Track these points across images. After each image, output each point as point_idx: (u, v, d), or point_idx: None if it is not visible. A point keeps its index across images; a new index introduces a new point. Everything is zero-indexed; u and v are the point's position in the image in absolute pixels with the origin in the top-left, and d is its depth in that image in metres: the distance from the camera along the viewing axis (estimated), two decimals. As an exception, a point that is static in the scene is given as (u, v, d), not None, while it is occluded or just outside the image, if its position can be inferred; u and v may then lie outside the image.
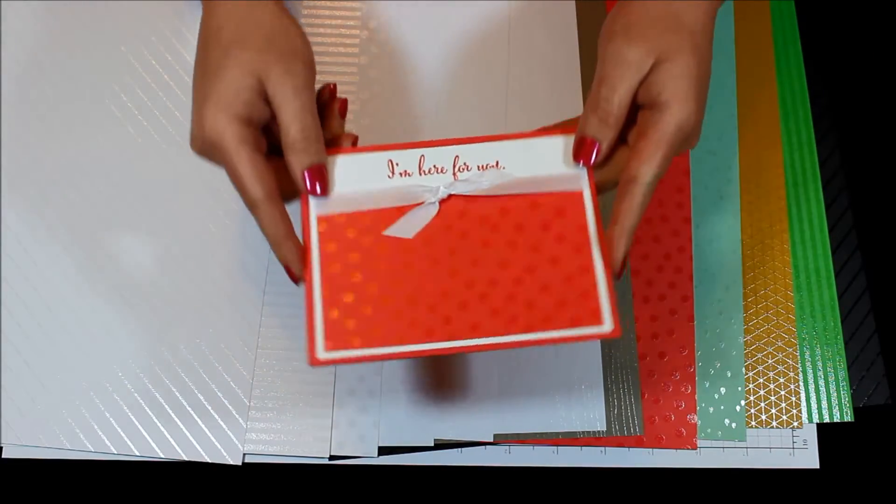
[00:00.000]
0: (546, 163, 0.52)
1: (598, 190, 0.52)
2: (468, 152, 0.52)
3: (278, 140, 0.51)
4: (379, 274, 0.50)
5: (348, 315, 0.50)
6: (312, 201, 0.52)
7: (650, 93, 0.50)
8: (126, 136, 0.68)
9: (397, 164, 0.52)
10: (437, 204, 0.51)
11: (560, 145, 0.52)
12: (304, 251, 0.51)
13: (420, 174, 0.52)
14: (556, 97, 0.69)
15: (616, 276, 0.50)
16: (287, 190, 0.52)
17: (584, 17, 0.71)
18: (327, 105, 0.55)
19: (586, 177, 0.51)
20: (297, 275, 0.51)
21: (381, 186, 0.52)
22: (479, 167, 0.52)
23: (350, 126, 0.67)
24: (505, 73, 0.69)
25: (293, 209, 0.52)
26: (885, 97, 0.71)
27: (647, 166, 0.49)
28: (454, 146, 0.52)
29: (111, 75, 0.69)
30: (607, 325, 0.49)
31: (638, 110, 0.51)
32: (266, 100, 0.51)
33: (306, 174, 0.51)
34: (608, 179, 0.52)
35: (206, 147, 0.51)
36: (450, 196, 0.51)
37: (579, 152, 0.51)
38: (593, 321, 0.49)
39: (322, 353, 0.49)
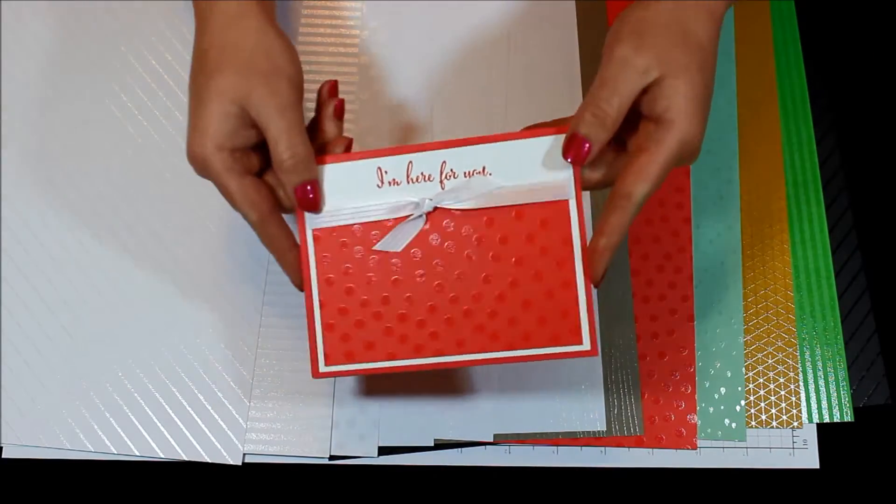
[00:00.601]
0: (533, 167, 0.51)
1: (586, 188, 0.52)
2: (455, 156, 0.52)
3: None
4: (370, 287, 0.53)
5: (344, 331, 0.53)
6: (307, 216, 0.53)
7: (655, 107, 0.49)
8: (126, 136, 0.68)
9: (386, 173, 0.52)
10: (424, 217, 0.52)
11: (548, 145, 0.51)
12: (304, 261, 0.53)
13: (408, 182, 0.52)
14: (556, 97, 0.68)
15: (595, 286, 0.51)
16: (284, 204, 0.54)
17: (584, 17, 0.71)
18: (324, 106, 0.55)
19: (573, 184, 0.51)
20: (300, 284, 0.53)
21: (370, 199, 0.52)
22: (465, 174, 0.52)
23: (350, 126, 0.68)
24: (505, 73, 0.69)
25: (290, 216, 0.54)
26: (885, 97, 0.71)
27: (643, 184, 0.49)
28: (441, 150, 0.52)
29: (111, 75, 0.69)
30: (585, 345, 0.51)
31: (640, 118, 0.50)
32: (251, 123, 0.51)
33: (298, 192, 0.52)
34: (599, 180, 0.52)
35: (198, 171, 0.52)
36: (436, 208, 0.52)
37: (569, 149, 0.50)
38: (572, 340, 0.51)
39: (323, 367, 0.53)
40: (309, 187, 0.52)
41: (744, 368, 0.63)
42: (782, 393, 0.63)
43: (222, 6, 0.53)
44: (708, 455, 0.62)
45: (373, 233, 0.52)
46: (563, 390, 0.62)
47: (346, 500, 0.62)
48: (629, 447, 0.62)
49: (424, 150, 0.52)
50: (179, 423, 0.62)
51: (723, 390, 0.63)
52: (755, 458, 0.62)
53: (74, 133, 0.68)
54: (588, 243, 0.51)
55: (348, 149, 0.54)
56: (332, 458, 0.62)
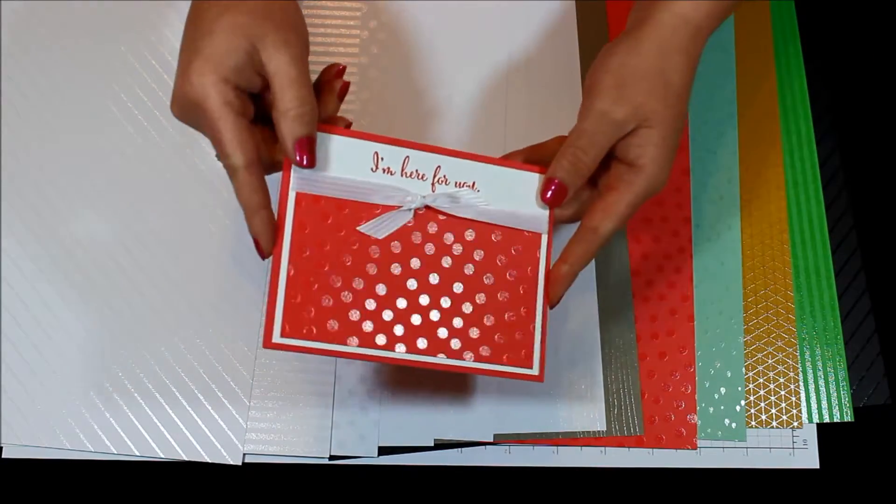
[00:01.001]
0: (516, 196, 0.54)
1: (558, 222, 0.55)
2: (449, 165, 0.53)
3: (266, 110, 0.50)
4: (345, 268, 0.51)
5: (310, 303, 0.51)
6: (294, 176, 0.51)
7: (629, 153, 0.52)
8: (126, 136, 0.68)
9: (382, 159, 0.52)
10: (413, 212, 0.53)
11: (532, 182, 0.54)
12: (277, 226, 0.51)
13: (402, 175, 0.53)
14: (555, 97, 0.68)
15: (551, 307, 0.54)
16: (269, 161, 0.52)
17: (584, 18, 0.70)
18: (328, 82, 0.54)
19: (548, 221, 0.54)
20: (266, 249, 0.51)
21: (364, 179, 0.52)
22: (456, 183, 0.53)
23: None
24: (505, 73, 0.69)
25: (273, 182, 0.51)
26: (885, 97, 0.71)
27: (609, 221, 0.52)
28: (438, 155, 0.53)
29: (111, 75, 0.69)
30: (534, 370, 0.53)
31: (612, 159, 0.53)
32: (256, 70, 0.49)
33: (296, 144, 0.49)
34: (570, 216, 0.55)
35: (188, 108, 0.49)
36: (426, 207, 0.53)
37: (545, 192, 0.53)
38: (523, 363, 0.53)
39: (277, 338, 0.50)
40: (308, 141, 0.50)
41: (744, 368, 0.63)
42: (782, 393, 0.63)
43: None
44: (708, 455, 0.62)
45: (356, 212, 0.52)
46: (563, 390, 0.62)
47: (346, 500, 0.62)
48: (629, 447, 0.62)
49: (423, 150, 0.53)
50: (179, 423, 0.62)
51: (723, 390, 0.63)
52: (755, 458, 0.62)
53: (74, 133, 0.68)
54: (551, 268, 0.54)
55: (348, 129, 0.53)
56: (332, 458, 0.62)
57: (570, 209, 0.55)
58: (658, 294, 0.65)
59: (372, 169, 0.52)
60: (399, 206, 0.52)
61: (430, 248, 0.53)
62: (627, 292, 0.64)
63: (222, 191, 0.66)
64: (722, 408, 0.62)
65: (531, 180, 0.54)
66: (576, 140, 0.51)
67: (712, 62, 0.69)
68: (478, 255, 0.53)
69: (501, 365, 0.52)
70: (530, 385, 0.62)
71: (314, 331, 0.50)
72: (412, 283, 0.52)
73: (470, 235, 0.53)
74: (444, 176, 0.53)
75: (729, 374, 0.63)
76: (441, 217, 0.53)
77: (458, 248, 0.53)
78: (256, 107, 0.51)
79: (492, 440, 0.62)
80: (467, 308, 0.52)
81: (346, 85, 0.54)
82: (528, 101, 0.68)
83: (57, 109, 0.68)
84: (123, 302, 0.64)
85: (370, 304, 0.51)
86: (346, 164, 0.52)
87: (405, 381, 0.63)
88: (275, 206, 0.51)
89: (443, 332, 0.52)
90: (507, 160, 0.54)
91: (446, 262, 0.53)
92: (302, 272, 0.51)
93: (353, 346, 0.51)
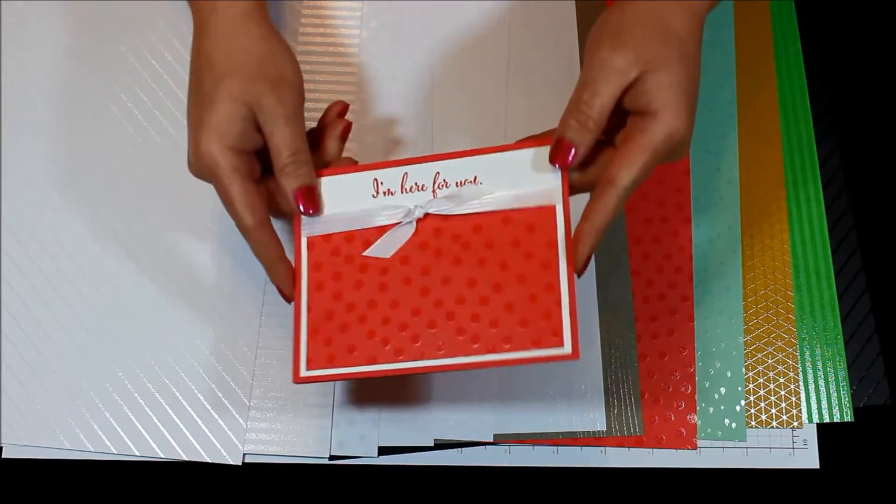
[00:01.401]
0: (523, 175, 0.53)
1: (578, 191, 0.53)
2: (448, 168, 0.54)
3: (271, 162, 0.53)
4: (358, 293, 0.53)
5: (329, 333, 0.53)
6: (303, 223, 0.54)
7: (639, 102, 0.50)
8: (126, 135, 0.68)
9: (381, 183, 0.54)
10: (415, 224, 0.53)
11: (537, 155, 0.53)
12: (294, 272, 0.54)
13: (402, 192, 0.54)
14: (555, 97, 0.68)
15: (578, 273, 0.51)
16: (281, 210, 0.55)
17: (584, 17, 0.71)
18: (330, 126, 0.57)
19: (561, 190, 0.52)
20: (289, 295, 0.54)
21: (364, 207, 0.54)
22: (457, 183, 0.53)
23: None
24: (505, 73, 0.69)
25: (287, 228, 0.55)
26: (885, 97, 0.71)
27: (626, 170, 0.49)
28: (435, 162, 0.54)
29: (111, 75, 0.69)
30: (566, 347, 0.50)
31: (627, 115, 0.51)
32: (257, 127, 0.52)
33: (297, 195, 0.53)
34: (590, 181, 0.53)
35: (202, 172, 0.53)
36: (426, 215, 0.53)
37: (556, 155, 0.51)
38: (553, 342, 0.50)
39: (304, 371, 0.53)
40: (308, 191, 0.53)
41: (744, 368, 0.63)
42: (782, 393, 0.63)
43: (225, 9, 0.54)
44: (708, 455, 0.62)
45: (364, 240, 0.54)
46: (562, 390, 0.62)
47: (346, 500, 0.62)
48: (629, 447, 0.62)
49: (419, 163, 0.54)
50: (179, 423, 0.62)
51: (723, 390, 0.63)
52: (755, 458, 0.62)
53: (74, 133, 0.68)
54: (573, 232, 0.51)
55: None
56: (332, 458, 0.62)
57: (588, 174, 0.53)
58: (658, 294, 0.65)
59: (373, 195, 0.54)
60: (400, 223, 0.53)
61: (437, 252, 0.53)
62: (627, 292, 0.64)
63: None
64: (722, 408, 0.62)
65: (535, 154, 0.53)
66: (579, 95, 0.50)
67: (712, 62, 0.69)
68: (487, 244, 0.52)
69: (530, 351, 0.50)
70: (530, 385, 0.62)
71: (336, 358, 0.52)
72: (423, 290, 0.52)
73: (476, 228, 0.53)
74: (445, 180, 0.53)
75: (729, 374, 0.63)
76: (444, 219, 0.53)
77: (465, 244, 0.53)
78: (265, 160, 0.54)
79: (492, 440, 0.62)
80: (484, 300, 0.52)
81: (348, 126, 0.57)
82: (528, 101, 0.68)
83: (57, 109, 0.68)
84: (123, 302, 0.64)
85: (386, 322, 0.52)
86: (350, 197, 0.54)
87: (405, 381, 0.63)
88: (290, 250, 0.54)
89: (463, 333, 0.51)
90: (506, 145, 0.54)
91: (455, 260, 0.53)
92: (319, 307, 0.53)
93: (376, 364, 0.52)
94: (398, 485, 0.62)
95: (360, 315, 0.53)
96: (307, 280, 0.54)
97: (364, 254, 0.53)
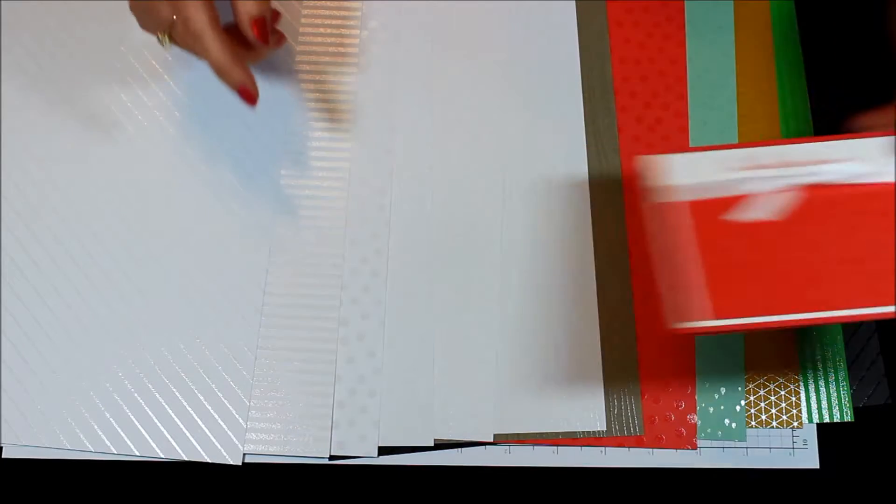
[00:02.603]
0: (869, 161, 0.54)
1: None
2: (796, 151, 0.55)
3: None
4: (731, 252, 0.54)
5: (727, 285, 0.54)
6: (681, 191, 0.55)
7: None
8: (126, 135, 0.68)
9: (746, 159, 0.56)
10: (789, 191, 0.54)
11: (886, 144, 0.55)
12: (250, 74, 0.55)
13: (764, 169, 0.55)
14: (556, 97, 0.68)
15: None
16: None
17: (584, 17, 0.70)
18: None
19: None
20: (255, 92, 0.54)
21: (735, 177, 0.55)
22: (809, 163, 0.55)
23: (349, 125, 0.68)
24: (504, 73, 0.69)
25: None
26: (885, 98, 0.71)
27: None
28: (784, 146, 0.56)
29: (111, 75, 0.69)
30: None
31: None
32: None
33: (253, 24, 0.55)
34: None
35: None
36: (791, 186, 0.55)
37: None
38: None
39: (709, 321, 0.53)
40: (263, 20, 0.55)
41: (744, 368, 0.63)
42: (782, 393, 0.63)
43: None
44: (708, 455, 0.62)
45: (734, 204, 0.55)
46: (563, 390, 0.62)
47: (346, 500, 0.62)
48: (629, 447, 0.62)
49: (763, 146, 0.56)
50: (179, 423, 0.62)
51: (723, 390, 0.63)
52: (755, 458, 0.62)
53: (74, 133, 0.68)
54: None
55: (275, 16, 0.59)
56: (332, 458, 0.62)
57: None
58: (658, 294, 0.64)
59: (734, 170, 0.55)
60: (771, 191, 0.54)
61: (802, 218, 0.54)
62: (628, 292, 0.64)
63: (222, 191, 0.66)
64: (722, 408, 0.62)
65: (884, 143, 0.55)
66: None
67: (712, 62, 0.70)
68: (832, 213, 0.54)
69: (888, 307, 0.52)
70: (530, 385, 0.62)
71: (741, 307, 0.53)
72: (802, 252, 0.54)
73: (820, 199, 0.54)
74: (797, 160, 0.55)
75: (729, 374, 0.63)
76: (801, 190, 0.54)
77: (810, 212, 0.54)
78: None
79: (492, 440, 0.62)
80: (855, 262, 0.53)
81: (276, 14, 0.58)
82: (527, 100, 0.68)
83: (57, 109, 0.68)
84: (123, 302, 0.64)
85: (774, 276, 0.53)
86: (710, 171, 0.56)
87: (405, 381, 0.63)
88: None
89: (830, 289, 0.53)
90: (849, 134, 0.56)
91: (804, 227, 0.54)
92: (711, 259, 0.54)
93: (767, 314, 0.53)
94: (398, 485, 0.62)
95: (750, 270, 0.54)
96: (697, 235, 0.54)
97: (738, 217, 0.54)
